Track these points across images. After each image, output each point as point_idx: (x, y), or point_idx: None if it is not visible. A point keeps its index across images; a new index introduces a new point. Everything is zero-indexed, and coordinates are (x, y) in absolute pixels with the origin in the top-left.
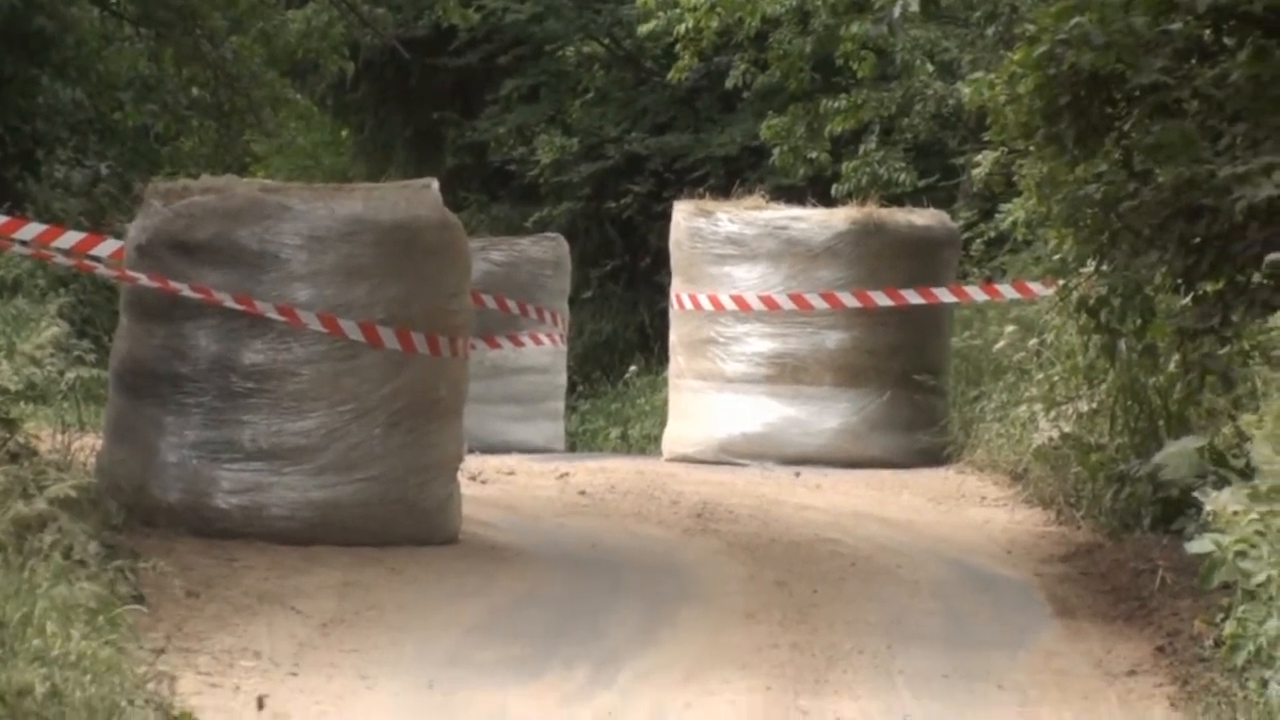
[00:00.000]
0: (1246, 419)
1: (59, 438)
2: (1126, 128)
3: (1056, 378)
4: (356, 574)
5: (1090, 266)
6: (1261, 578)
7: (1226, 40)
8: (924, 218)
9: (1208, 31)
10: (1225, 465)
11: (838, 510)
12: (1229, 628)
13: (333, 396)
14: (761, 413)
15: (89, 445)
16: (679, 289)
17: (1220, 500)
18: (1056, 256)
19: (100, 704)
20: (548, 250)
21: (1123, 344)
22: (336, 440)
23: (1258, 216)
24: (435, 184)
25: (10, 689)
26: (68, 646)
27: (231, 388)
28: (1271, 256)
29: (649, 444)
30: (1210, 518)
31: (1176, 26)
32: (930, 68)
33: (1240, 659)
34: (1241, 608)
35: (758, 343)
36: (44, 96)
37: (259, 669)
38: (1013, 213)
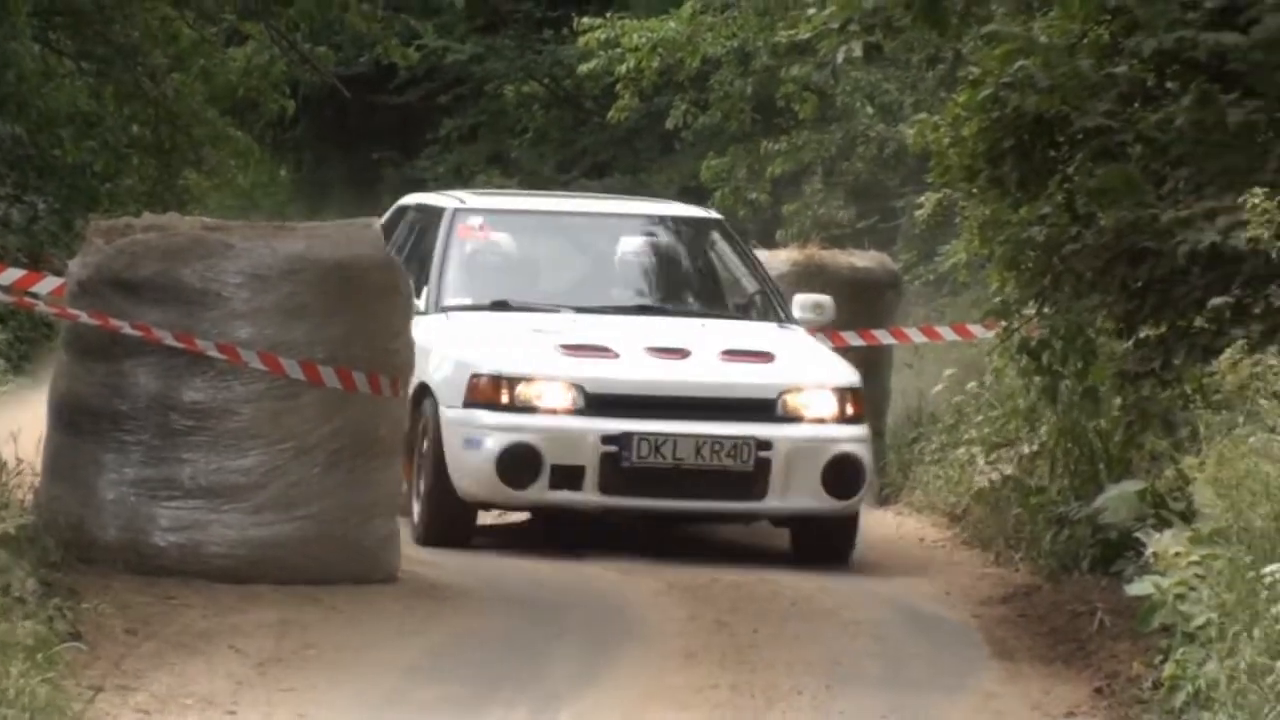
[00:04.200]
0: (1188, 462)
1: None
2: (1070, 171)
3: (997, 420)
4: (295, 613)
5: (1032, 309)
6: (1201, 620)
7: (1170, 85)
8: (865, 260)
9: (1151, 76)
10: (1166, 508)
11: (778, 550)
12: (1168, 670)
13: (272, 435)
14: None
15: (26, 483)
16: None
17: (1161, 542)
18: (998, 299)
19: None
20: None
21: (1064, 386)
22: (276, 478)
23: (1199, 261)
24: (377, 223)
25: None
26: (5, 684)
27: (171, 425)
28: (1214, 301)
29: None
30: (1151, 560)
31: (1121, 70)
32: (871, 110)
33: (1179, 700)
34: (1180, 650)
35: None
36: None
37: (196, 708)
38: (953, 255)
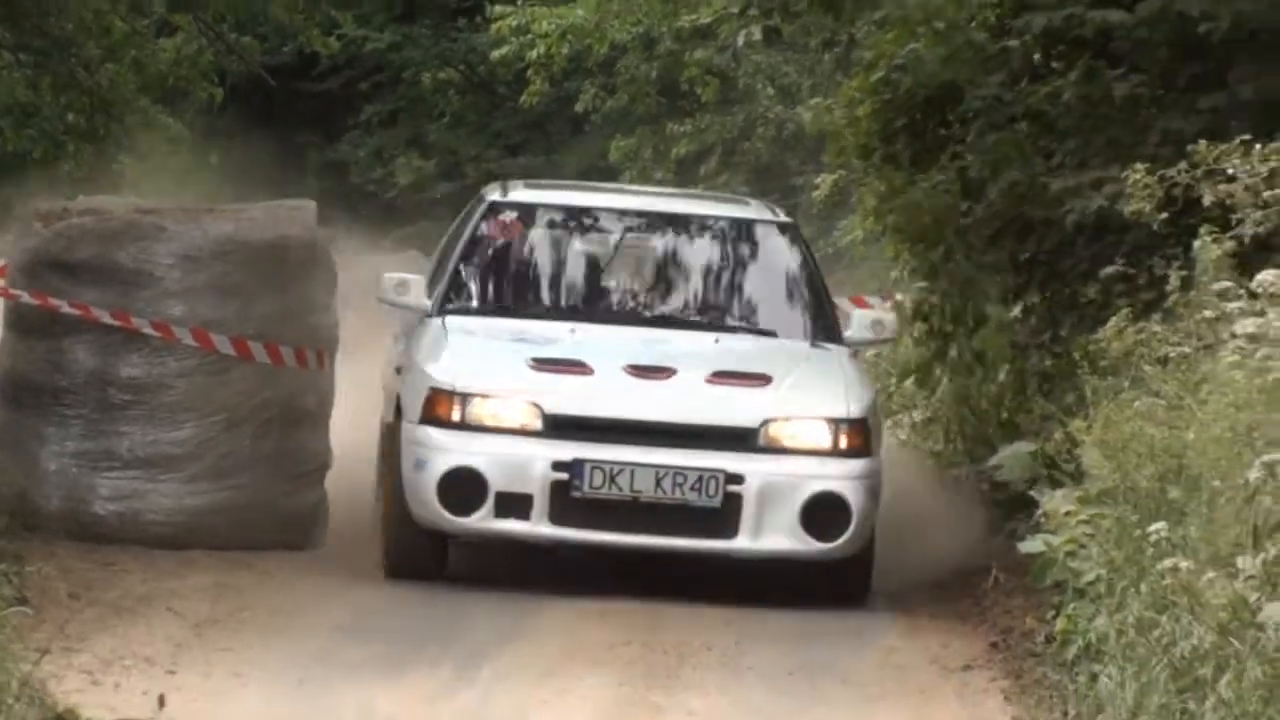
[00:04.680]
0: (1076, 425)
1: None
2: (960, 147)
3: (893, 387)
4: (229, 577)
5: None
6: (1090, 576)
7: (1057, 63)
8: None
9: (1040, 53)
10: (1057, 469)
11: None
12: (1060, 624)
13: (205, 408)
14: None
15: None
16: None
17: (1053, 503)
18: (894, 274)
19: None
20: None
21: (954, 350)
22: (209, 449)
23: (1085, 232)
24: (313, 205)
25: None
26: None
27: (109, 400)
28: (1105, 271)
29: None
30: (1043, 519)
31: (1014, 44)
32: (771, 92)
33: (1070, 654)
34: (1071, 605)
35: None
36: None
37: (138, 668)
38: (850, 230)
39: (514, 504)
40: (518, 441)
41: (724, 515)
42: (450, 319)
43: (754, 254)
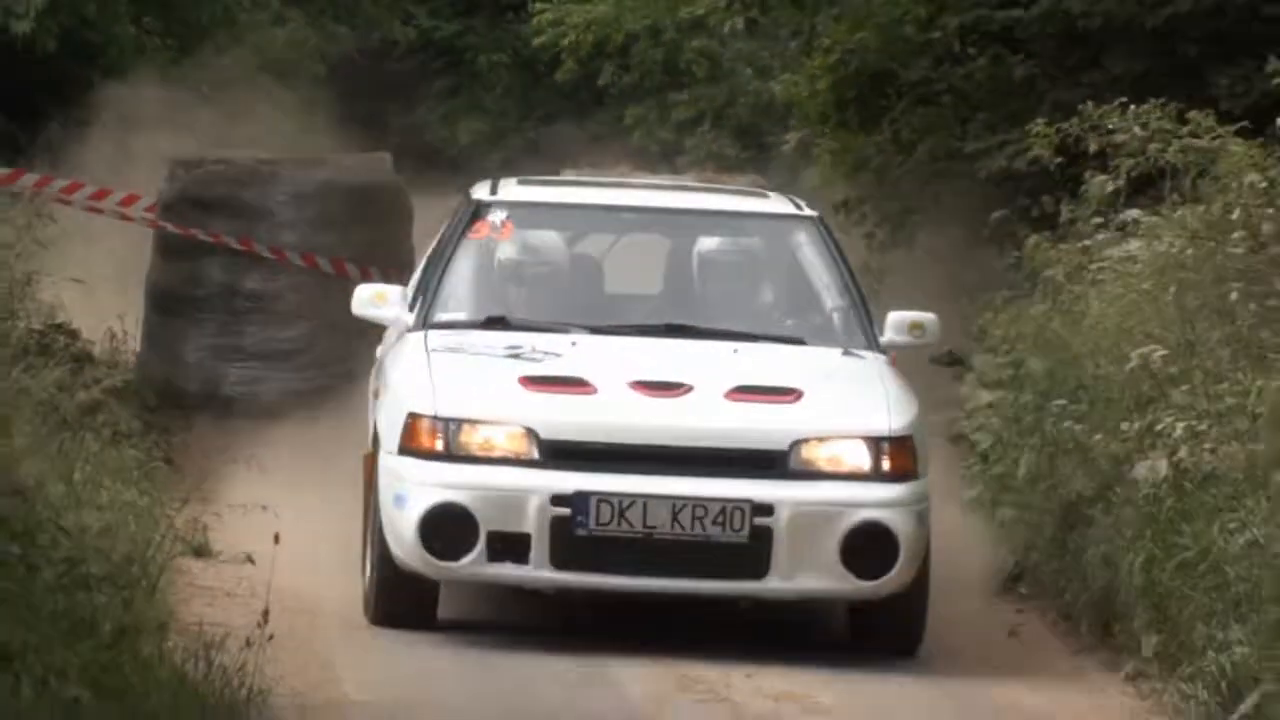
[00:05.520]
0: (986, 317)
1: (108, 344)
2: (896, 116)
3: None
4: (330, 445)
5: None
6: (988, 443)
7: (971, 50)
8: (745, 180)
9: (958, 43)
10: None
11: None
12: (964, 476)
13: (310, 314)
14: None
15: (130, 350)
16: None
17: (964, 388)
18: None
19: (141, 538)
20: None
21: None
22: (315, 345)
23: (994, 182)
24: (389, 156)
25: (78, 527)
26: (117, 497)
27: (235, 307)
28: (995, 215)
29: None
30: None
31: (937, 35)
32: (750, 70)
33: (972, 495)
34: (975, 464)
35: None
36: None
37: (257, 513)
38: (812, 180)
39: (509, 545)
40: (511, 472)
41: (752, 552)
42: (433, 334)
43: (775, 252)
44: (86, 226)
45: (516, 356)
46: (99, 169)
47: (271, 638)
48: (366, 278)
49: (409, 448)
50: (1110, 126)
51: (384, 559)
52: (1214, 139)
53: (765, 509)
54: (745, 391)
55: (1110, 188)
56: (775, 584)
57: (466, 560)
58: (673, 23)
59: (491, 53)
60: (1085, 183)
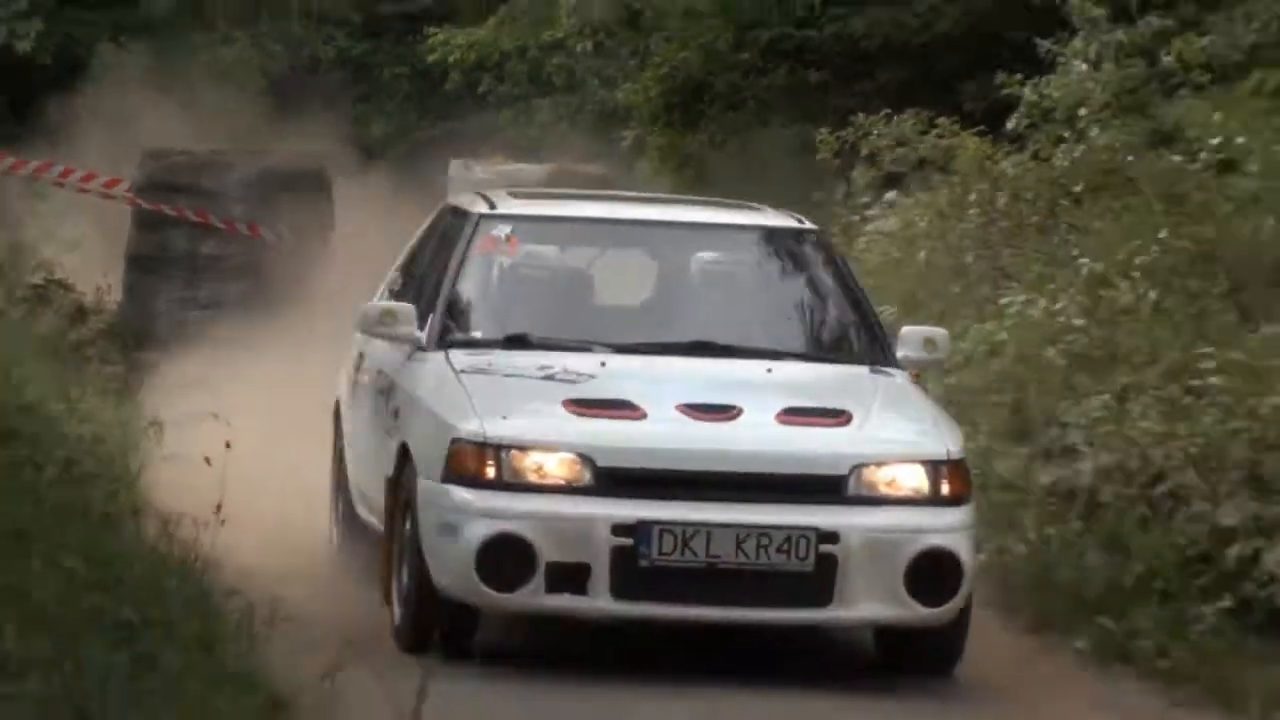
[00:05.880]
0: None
1: (95, 296)
2: (711, 118)
3: None
4: (283, 365)
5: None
6: None
7: (771, 64)
8: (597, 169)
9: (761, 58)
10: None
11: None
12: None
13: (252, 271)
14: None
15: (113, 300)
16: None
17: None
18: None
19: (122, 444)
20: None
21: None
22: (254, 295)
23: (789, 169)
24: (319, 151)
25: (74, 435)
26: (103, 412)
27: (196, 266)
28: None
29: None
30: None
31: (745, 56)
32: (597, 81)
33: None
34: None
35: None
36: None
37: (209, 421)
38: (644, 172)
39: (569, 576)
40: (569, 501)
41: (816, 580)
42: (455, 353)
43: (789, 267)
44: (78, 203)
45: (550, 378)
46: (89, 157)
47: (224, 521)
48: (298, 236)
49: (456, 475)
50: (876, 133)
51: (422, 588)
52: (953, 138)
53: (831, 536)
54: (796, 414)
55: (870, 177)
56: (838, 612)
57: (524, 591)
58: (537, 43)
59: (394, 67)
60: (854, 175)
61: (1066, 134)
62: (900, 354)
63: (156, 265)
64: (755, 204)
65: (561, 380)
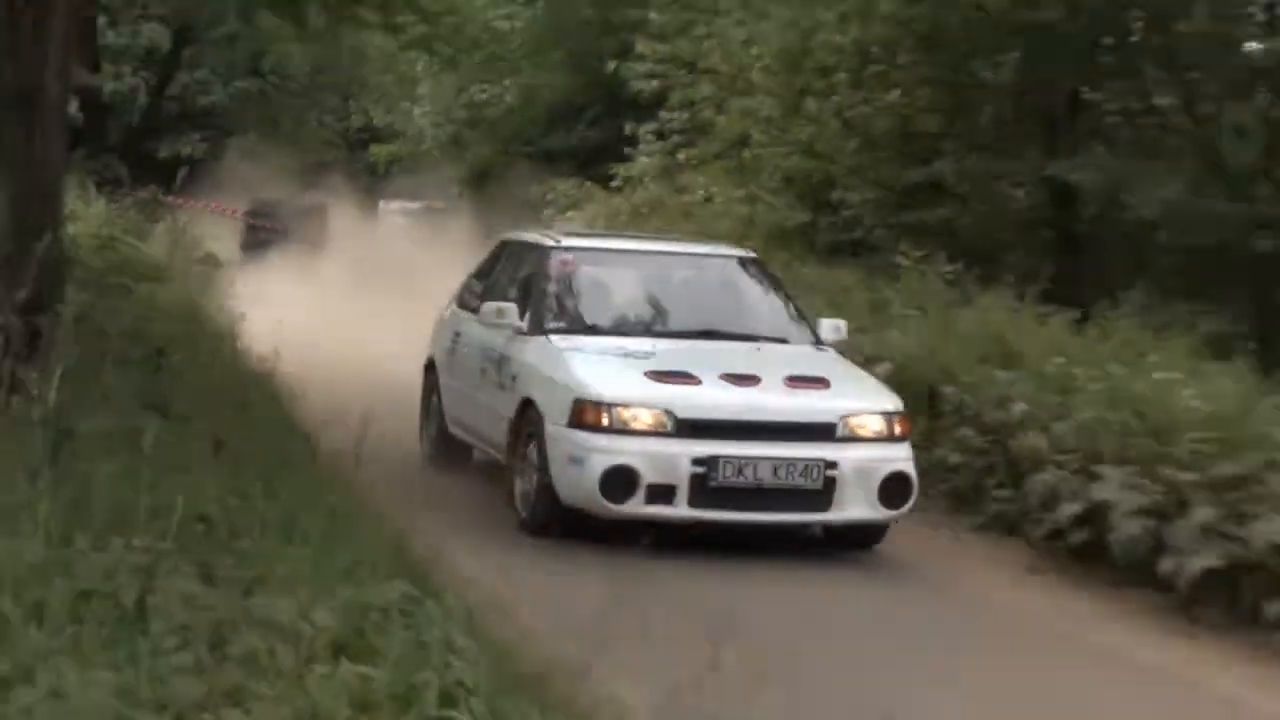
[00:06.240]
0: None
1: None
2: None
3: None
4: (292, 289)
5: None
6: None
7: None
8: (441, 204)
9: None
10: None
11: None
12: None
13: (291, 240)
14: None
15: (235, 264)
16: None
17: None
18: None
19: (227, 344)
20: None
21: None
22: (287, 249)
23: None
24: (326, 194)
25: (230, 351)
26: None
27: (263, 243)
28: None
29: None
30: None
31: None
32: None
33: None
34: None
35: None
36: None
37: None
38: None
39: (661, 492)
40: (660, 442)
41: (823, 494)
42: (554, 338)
43: (745, 280)
44: (212, 219)
45: (627, 355)
46: (216, 195)
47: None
48: (312, 235)
49: (579, 423)
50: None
51: (545, 495)
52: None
53: (833, 464)
54: (796, 381)
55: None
56: (835, 514)
57: (631, 503)
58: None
59: (353, 164)
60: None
61: None
62: (824, 336)
63: (252, 245)
64: (712, 240)
65: (634, 357)
